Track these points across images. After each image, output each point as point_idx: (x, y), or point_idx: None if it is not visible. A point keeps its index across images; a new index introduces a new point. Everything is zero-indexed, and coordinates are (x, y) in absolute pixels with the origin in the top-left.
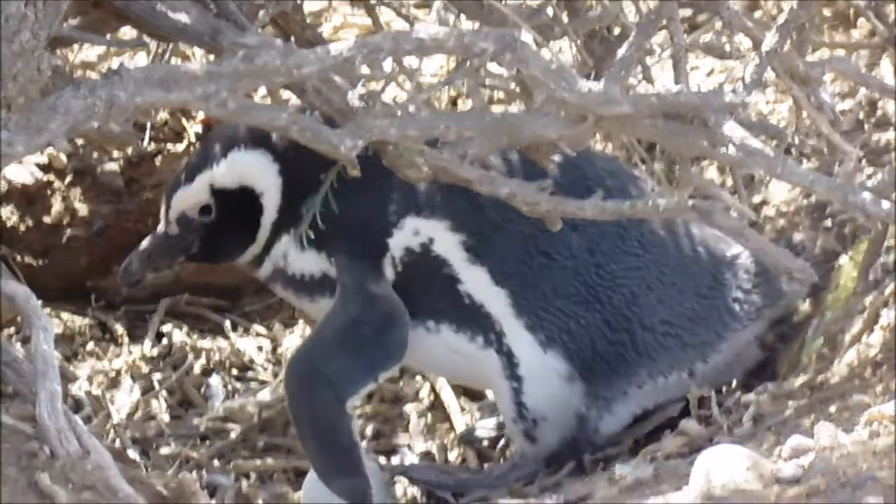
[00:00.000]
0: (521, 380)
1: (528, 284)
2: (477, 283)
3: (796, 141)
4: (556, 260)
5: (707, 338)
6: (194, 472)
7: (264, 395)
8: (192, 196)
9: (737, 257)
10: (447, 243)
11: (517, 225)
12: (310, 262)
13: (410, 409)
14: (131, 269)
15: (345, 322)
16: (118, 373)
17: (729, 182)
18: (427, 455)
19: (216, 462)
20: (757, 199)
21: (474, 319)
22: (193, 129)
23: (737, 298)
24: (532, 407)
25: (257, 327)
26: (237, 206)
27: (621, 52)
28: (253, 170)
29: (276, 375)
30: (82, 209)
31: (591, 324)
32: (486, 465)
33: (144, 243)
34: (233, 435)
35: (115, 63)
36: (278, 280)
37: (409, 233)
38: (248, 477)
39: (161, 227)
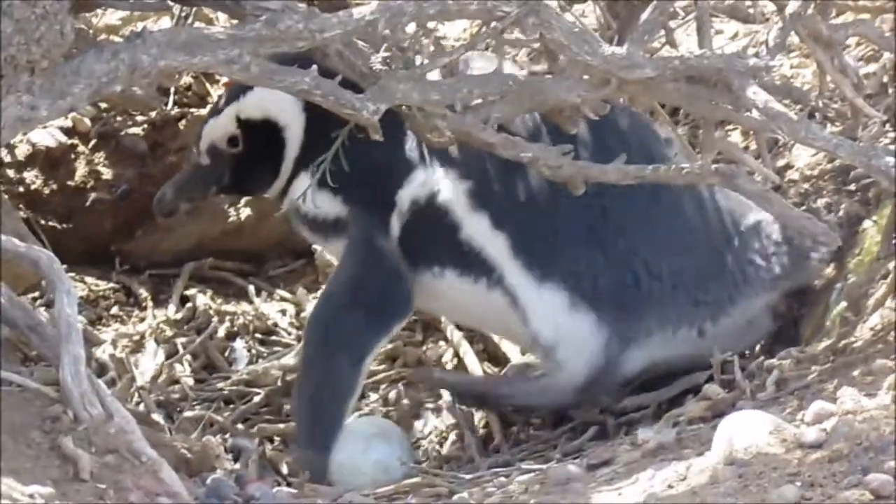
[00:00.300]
0: (524, 310)
1: (529, 227)
2: (477, 228)
3: (820, 105)
4: (559, 203)
5: (718, 296)
6: (218, 436)
7: (288, 360)
8: (220, 127)
9: (759, 223)
10: (452, 192)
11: (524, 168)
12: (324, 204)
13: None
14: (165, 199)
15: (352, 280)
16: (142, 337)
17: (753, 146)
18: (455, 425)
19: (240, 426)
20: (781, 163)
21: (475, 263)
22: (217, 92)
23: (753, 263)
24: (541, 334)
25: (281, 292)
26: (262, 138)
27: (645, 15)
28: (277, 103)
29: (299, 340)
30: (106, 173)
31: (593, 263)
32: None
33: (179, 174)
34: (256, 399)
35: (138, 27)
36: (296, 217)
37: (417, 185)
38: (271, 441)
39: (194, 158)
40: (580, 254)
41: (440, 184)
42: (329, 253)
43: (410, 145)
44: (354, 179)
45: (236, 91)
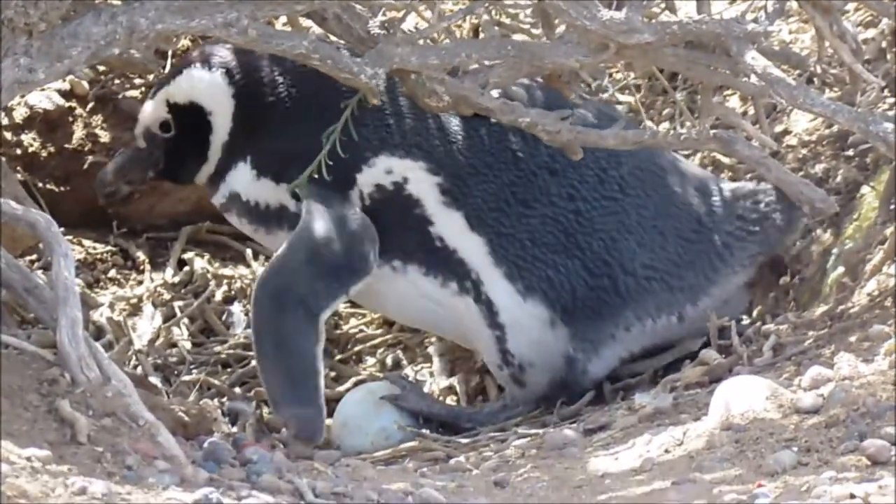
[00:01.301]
0: (504, 328)
1: (506, 233)
2: (451, 227)
3: (818, 70)
4: (535, 208)
5: (695, 281)
6: (215, 400)
7: None
8: (153, 111)
9: (734, 200)
10: (423, 184)
11: (495, 171)
12: (266, 192)
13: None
14: (105, 180)
15: (313, 238)
16: (140, 300)
17: (751, 111)
18: (449, 388)
19: (237, 389)
20: (779, 128)
21: (446, 264)
22: None
23: (728, 243)
24: (517, 353)
25: None
26: (191, 123)
27: None
28: (204, 88)
29: None
30: (104, 136)
31: (570, 270)
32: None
33: (119, 156)
34: (253, 362)
35: None
36: (233, 208)
37: (381, 171)
38: (267, 404)
39: (133, 143)
40: (559, 262)
41: (409, 174)
42: (270, 246)
43: (371, 131)
44: (299, 165)
45: (169, 74)
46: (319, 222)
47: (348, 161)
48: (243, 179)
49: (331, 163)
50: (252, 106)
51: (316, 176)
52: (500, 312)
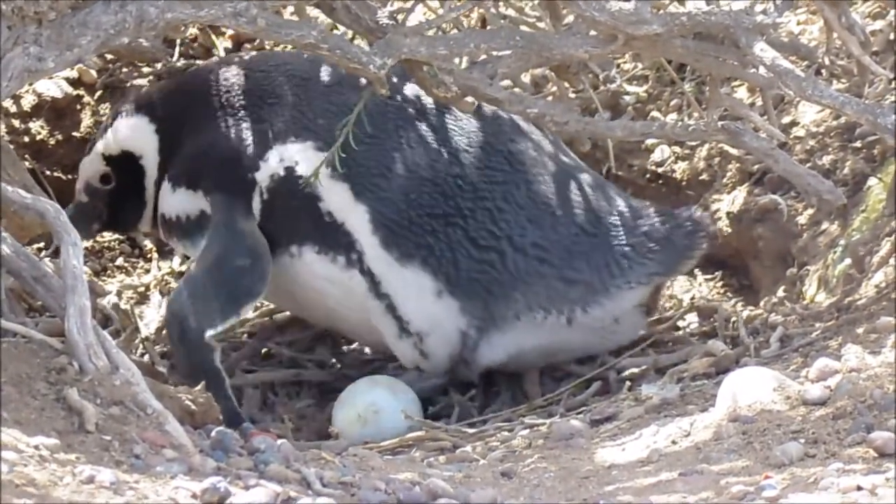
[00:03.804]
0: (389, 297)
1: (385, 197)
2: (338, 199)
3: (826, 62)
4: (414, 172)
5: (588, 278)
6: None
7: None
8: (91, 165)
9: (639, 214)
10: (311, 162)
11: (380, 139)
12: (184, 202)
13: None
14: None
15: (211, 260)
16: (147, 288)
17: (758, 103)
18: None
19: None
20: (786, 120)
21: (334, 238)
22: (223, 45)
23: (627, 254)
24: (411, 321)
25: None
26: (126, 170)
27: None
28: (131, 134)
29: None
30: None
31: (452, 238)
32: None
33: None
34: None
35: None
36: (169, 233)
37: (275, 162)
38: (272, 388)
39: (77, 196)
40: (438, 228)
41: (298, 156)
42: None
43: (264, 128)
44: (212, 168)
45: (101, 129)
46: (223, 241)
47: (247, 163)
48: (165, 198)
49: (227, 170)
50: (171, 132)
51: (221, 183)
52: (381, 282)
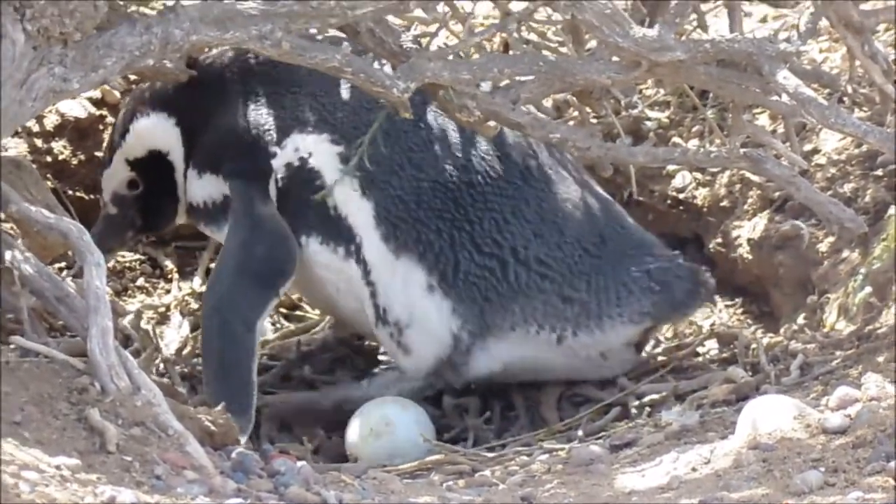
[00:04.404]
0: (374, 284)
1: (394, 195)
2: (346, 193)
3: (849, 90)
4: (427, 173)
5: (586, 299)
6: None
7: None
8: (115, 175)
9: (648, 251)
10: (324, 155)
11: (394, 137)
12: (209, 187)
13: None
14: None
15: (237, 249)
16: (168, 308)
17: (780, 130)
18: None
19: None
20: (808, 147)
21: (337, 231)
22: None
23: (627, 284)
24: (391, 310)
25: None
26: (155, 170)
27: None
28: (154, 133)
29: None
30: None
31: (456, 241)
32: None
33: (93, 227)
34: (275, 370)
35: (171, 0)
36: (198, 219)
37: (291, 150)
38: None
39: (103, 210)
40: (443, 228)
41: (313, 147)
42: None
43: (283, 115)
44: (232, 154)
45: (117, 137)
46: (243, 230)
47: (265, 148)
48: (192, 186)
49: (246, 156)
50: (191, 123)
51: (240, 169)
52: (371, 270)
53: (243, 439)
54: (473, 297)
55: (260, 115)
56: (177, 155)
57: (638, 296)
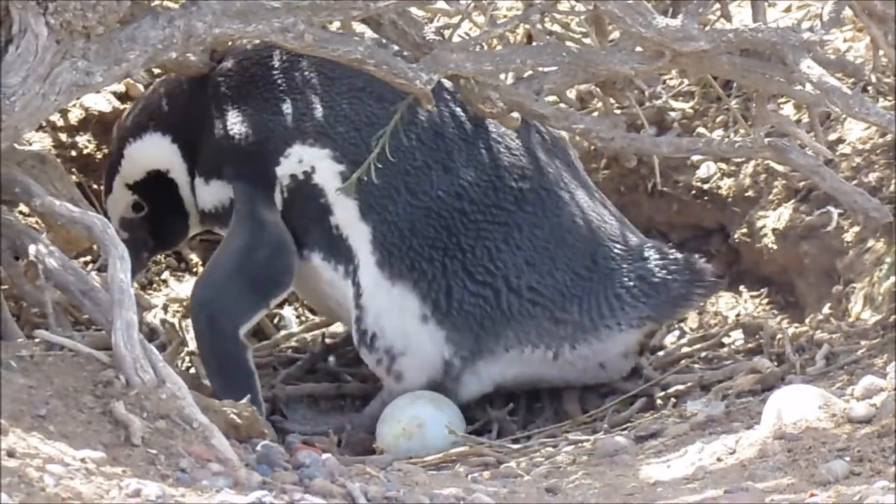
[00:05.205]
0: (363, 309)
1: (389, 220)
2: (346, 215)
3: (873, 79)
4: (422, 200)
5: (579, 319)
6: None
7: (336, 327)
8: (118, 201)
9: (638, 257)
10: (327, 173)
11: (392, 160)
12: (216, 192)
13: None
14: None
15: (236, 251)
16: None
17: (805, 119)
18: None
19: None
20: (833, 137)
21: (339, 250)
22: None
23: (620, 295)
24: (382, 337)
25: None
26: (157, 190)
27: None
28: (149, 154)
29: None
30: None
31: (448, 269)
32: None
33: None
34: (300, 363)
35: None
36: (211, 225)
37: (295, 161)
38: (315, 401)
39: None
40: (436, 257)
41: (316, 163)
42: None
43: (286, 122)
44: (236, 159)
45: (113, 163)
46: (245, 232)
47: (268, 155)
48: (202, 194)
49: (250, 160)
50: (187, 134)
51: (244, 173)
52: (363, 294)
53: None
54: (468, 325)
55: (262, 120)
56: (178, 171)
57: (632, 303)
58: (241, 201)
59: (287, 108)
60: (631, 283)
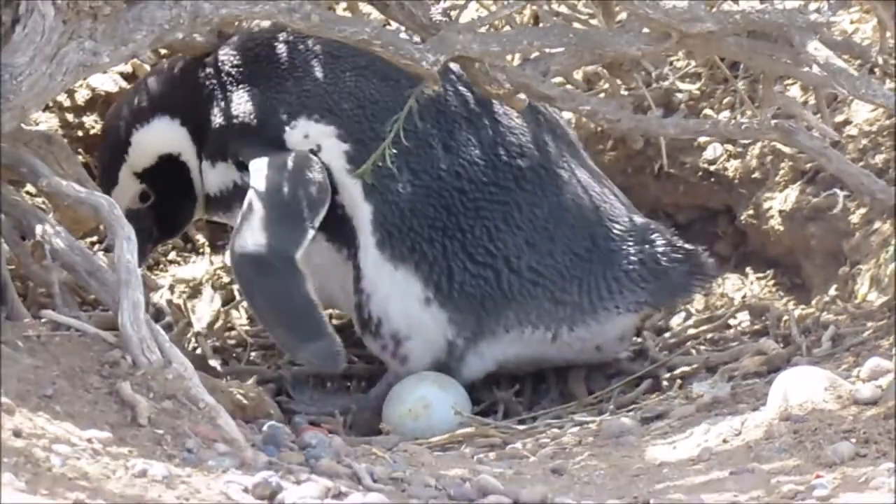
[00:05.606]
0: (364, 293)
1: (390, 200)
2: (350, 195)
3: (880, 60)
4: (422, 179)
5: (578, 300)
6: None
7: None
8: (124, 192)
9: (640, 241)
10: (333, 152)
11: (395, 139)
12: (221, 175)
13: None
14: None
15: (262, 195)
16: (199, 282)
17: (812, 101)
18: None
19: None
20: (839, 118)
21: (342, 231)
22: None
23: (619, 279)
24: (386, 322)
25: None
26: (167, 175)
27: None
28: (160, 138)
29: None
30: None
31: (449, 251)
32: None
33: None
34: None
35: None
36: (216, 210)
37: (301, 135)
38: (322, 381)
39: None
40: (436, 238)
41: (322, 140)
42: None
43: (292, 97)
44: (240, 135)
45: (116, 154)
46: (264, 172)
47: (275, 127)
48: (208, 177)
49: (259, 132)
50: (195, 117)
51: (251, 142)
52: (364, 278)
53: (341, 364)
54: (470, 306)
55: (268, 98)
56: (189, 154)
57: (631, 287)
58: (257, 158)
59: (292, 85)
60: (631, 267)
